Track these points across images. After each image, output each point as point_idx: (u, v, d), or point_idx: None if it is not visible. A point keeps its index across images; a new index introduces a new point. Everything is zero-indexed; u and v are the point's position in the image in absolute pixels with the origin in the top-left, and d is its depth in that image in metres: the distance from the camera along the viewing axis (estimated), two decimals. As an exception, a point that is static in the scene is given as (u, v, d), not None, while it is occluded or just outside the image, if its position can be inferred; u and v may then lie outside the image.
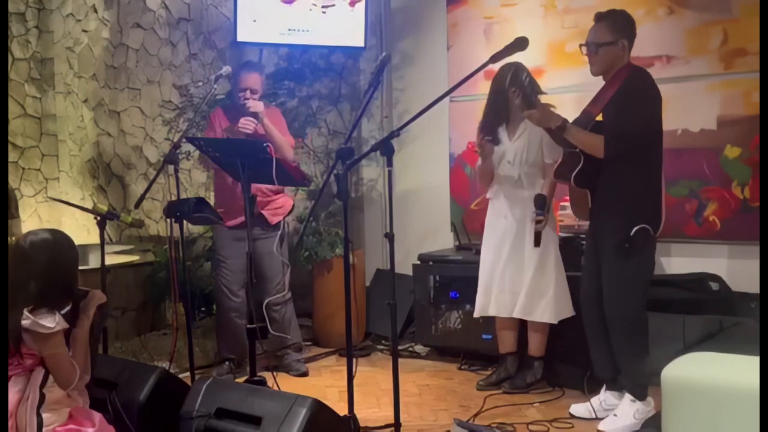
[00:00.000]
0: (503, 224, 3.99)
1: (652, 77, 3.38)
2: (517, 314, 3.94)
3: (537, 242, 3.77)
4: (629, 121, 3.26)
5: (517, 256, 3.94)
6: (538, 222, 3.73)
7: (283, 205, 4.38)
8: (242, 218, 3.98)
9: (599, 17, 3.45)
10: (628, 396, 3.43)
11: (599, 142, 3.30)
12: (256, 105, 4.17)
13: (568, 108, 3.95)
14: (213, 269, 4.54)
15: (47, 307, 2.49)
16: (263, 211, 4.27)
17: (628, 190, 3.31)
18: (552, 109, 3.53)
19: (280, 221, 4.32)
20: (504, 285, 3.96)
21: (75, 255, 2.65)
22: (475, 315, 4.11)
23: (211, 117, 4.38)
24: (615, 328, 3.42)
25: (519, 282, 3.92)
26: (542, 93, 3.89)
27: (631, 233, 3.26)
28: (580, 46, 3.45)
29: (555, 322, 3.89)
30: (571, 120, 3.47)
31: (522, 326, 4.05)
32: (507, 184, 3.97)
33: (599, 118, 3.42)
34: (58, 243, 2.59)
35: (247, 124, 4.11)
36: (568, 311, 3.88)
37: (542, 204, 3.73)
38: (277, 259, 4.26)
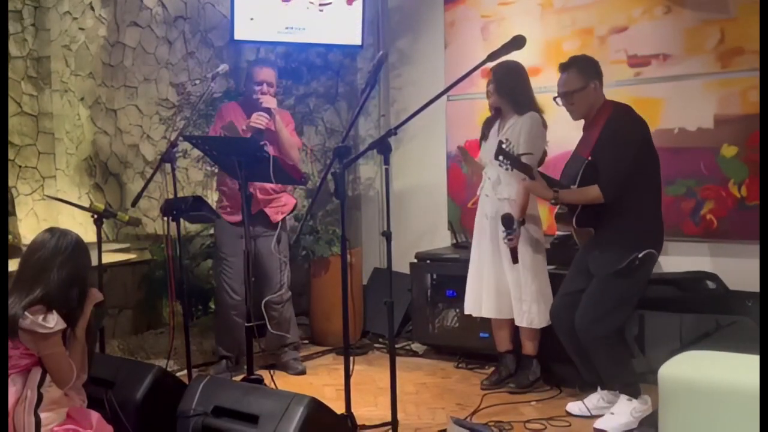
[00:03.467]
0: (483, 223, 4.02)
1: (633, 110, 3.44)
2: (509, 316, 3.95)
3: (514, 259, 3.80)
4: (621, 163, 3.32)
5: (496, 258, 3.94)
6: (509, 240, 3.74)
7: (287, 203, 4.38)
8: None
9: (564, 67, 3.53)
10: (623, 395, 3.44)
11: (595, 193, 3.34)
12: (268, 101, 4.16)
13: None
14: (214, 266, 4.53)
15: (61, 305, 2.49)
16: (266, 209, 4.26)
17: (631, 219, 3.36)
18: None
19: (280, 220, 4.32)
20: (489, 286, 3.97)
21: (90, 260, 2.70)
22: (465, 312, 4.13)
23: (223, 109, 4.35)
24: (590, 346, 3.45)
25: (502, 284, 3.93)
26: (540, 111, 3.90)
27: (640, 255, 3.31)
28: (554, 98, 3.54)
29: (539, 327, 3.89)
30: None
31: (515, 326, 4.05)
32: (488, 182, 3.98)
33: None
34: (84, 247, 2.64)
35: (259, 120, 4.08)
36: None
37: (509, 223, 3.71)
38: (277, 257, 4.26)
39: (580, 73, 3.47)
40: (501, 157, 3.53)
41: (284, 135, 4.20)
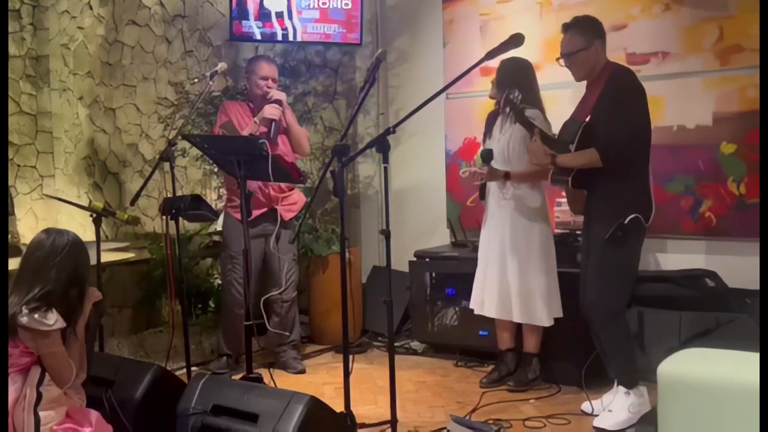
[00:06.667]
0: (492, 222, 4.00)
1: (634, 74, 3.41)
2: (509, 317, 3.94)
3: (482, 195, 3.93)
4: (620, 126, 3.28)
5: (501, 258, 3.93)
6: (481, 173, 3.88)
7: (297, 201, 4.39)
8: (257, 213, 4.00)
9: (566, 27, 3.50)
10: (621, 389, 3.42)
11: (593, 157, 3.31)
12: (279, 93, 4.21)
13: (565, 104, 3.96)
14: (222, 264, 4.51)
15: (60, 304, 2.49)
16: (277, 207, 4.27)
17: (621, 185, 3.33)
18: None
19: (291, 218, 4.32)
20: (492, 286, 3.96)
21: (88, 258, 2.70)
22: (474, 310, 4.12)
23: (227, 106, 4.33)
24: (595, 319, 3.43)
25: (505, 284, 3.92)
26: (539, 110, 3.87)
27: (625, 221, 3.28)
28: (557, 59, 3.51)
29: (549, 324, 3.89)
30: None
31: (519, 323, 4.05)
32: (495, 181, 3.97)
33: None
34: (81, 246, 2.64)
35: (273, 111, 4.11)
36: (559, 311, 3.89)
37: (487, 158, 3.85)
38: (286, 255, 4.27)
39: (582, 33, 3.44)
40: (508, 109, 3.52)
41: (294, 127, 4.27)
